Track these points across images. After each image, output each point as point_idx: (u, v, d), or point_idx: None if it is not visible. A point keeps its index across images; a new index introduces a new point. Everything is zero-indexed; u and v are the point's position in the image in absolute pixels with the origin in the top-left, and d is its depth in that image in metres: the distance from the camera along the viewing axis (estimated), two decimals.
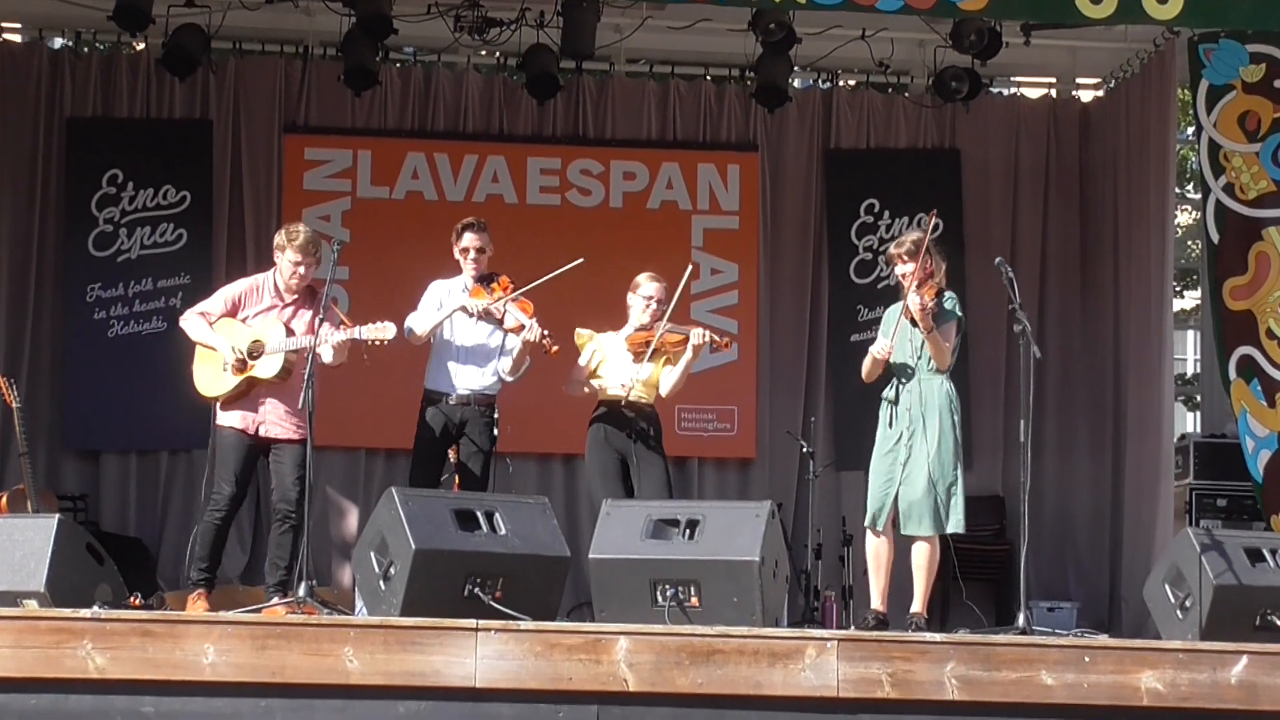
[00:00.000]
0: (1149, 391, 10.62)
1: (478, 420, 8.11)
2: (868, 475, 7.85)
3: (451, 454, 8.20)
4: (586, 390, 8.17)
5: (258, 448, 7.83)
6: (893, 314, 7.89)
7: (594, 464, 8.08)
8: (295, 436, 7.75)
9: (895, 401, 7.75)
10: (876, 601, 7.70)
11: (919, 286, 7.63)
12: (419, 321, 8.16)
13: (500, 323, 8.07)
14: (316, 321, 7.61)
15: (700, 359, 8.38)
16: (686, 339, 8.00)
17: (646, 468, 8.00)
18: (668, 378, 8.11)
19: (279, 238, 7.94)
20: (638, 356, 8.05)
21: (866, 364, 7.81)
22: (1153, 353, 10.58)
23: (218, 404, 7.88)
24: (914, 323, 7.65)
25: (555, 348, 7.94)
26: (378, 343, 7.65)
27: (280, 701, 5.85)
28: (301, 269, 7.83)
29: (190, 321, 7.95)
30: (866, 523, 7.75)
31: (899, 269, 7.80)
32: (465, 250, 8.19)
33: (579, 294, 8.83)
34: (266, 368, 7.76)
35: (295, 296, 7.90)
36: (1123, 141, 11.13)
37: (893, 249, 7.87)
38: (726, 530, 6.61)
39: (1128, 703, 6.02)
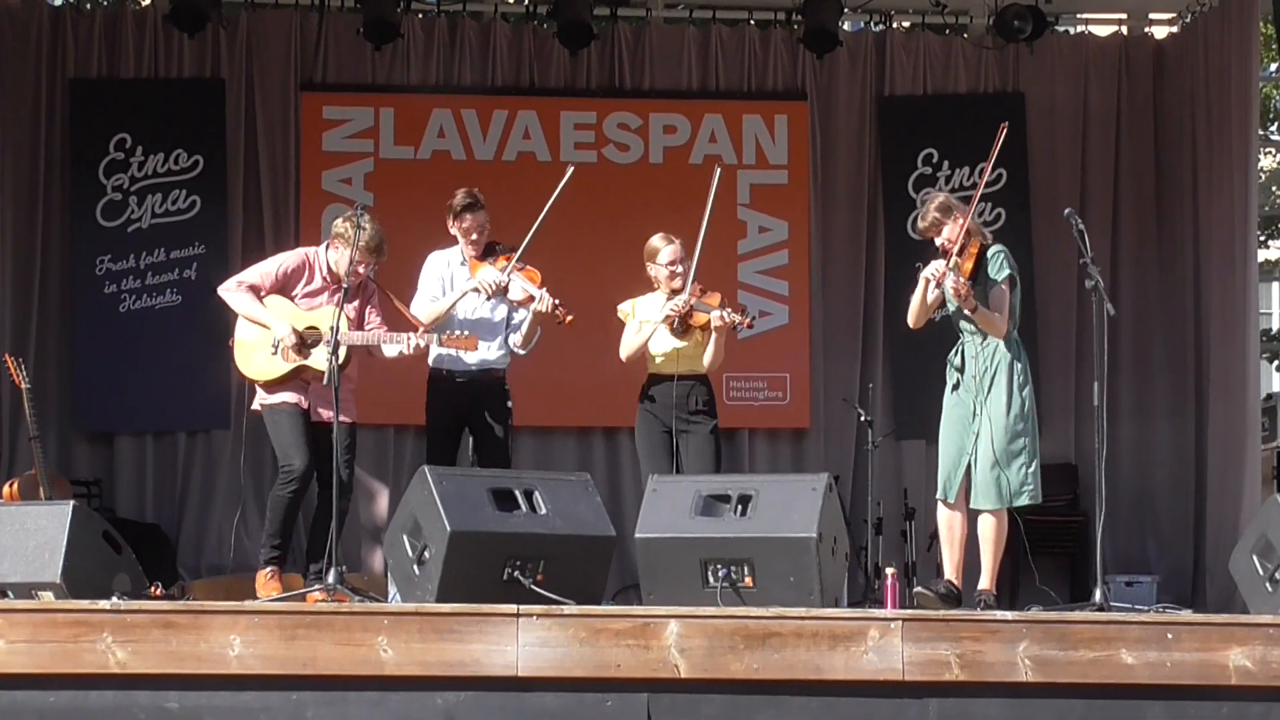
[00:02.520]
0: (1232, 349, 10.57)
1: (488, 396, 8.11)
2: (931, 444, 7.82)
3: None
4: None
5: (312, 424, 7.84)
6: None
7: (642, 440, 8.09)
8: (344, 418, 7.71)
9: (960, 367, 7.69)
10: (950, 575, 7.68)
11: (958, 254, 7.53)
12: (426, 311, 8.10)
13: (506, 293, 8.05)
14: (368, 313, 7.76)
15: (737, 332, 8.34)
16: (709, 320, 7.97)
17: (692, 443, 8.00)
18: (705, 353, 8.10)
19: (341, 225, 7.79)
20: (673, 331, 8.03)
21: (915, 300, 7.66)
22: (1236, 307, 10.53)
23: (256, 383, 7.88)
24: (972, 279, 7.57)
25: (570, 317, 7.93)
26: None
27: (311, 694, 5.90)
28: (361, 268, 7.74)
29: (237, 296, 7.85)
30: (937, 494, 7.73)
31: (937, 240, 7.72)
32: (468, 231, 8.15)
33: (619, 257, 8.82)
34: (324, 359, 7.61)
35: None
36: (1200, 81, 11.05)
37: (921, 224, 7.79)
38: (781, 505, 6.61)
39: (1215, 682, 6.01)
